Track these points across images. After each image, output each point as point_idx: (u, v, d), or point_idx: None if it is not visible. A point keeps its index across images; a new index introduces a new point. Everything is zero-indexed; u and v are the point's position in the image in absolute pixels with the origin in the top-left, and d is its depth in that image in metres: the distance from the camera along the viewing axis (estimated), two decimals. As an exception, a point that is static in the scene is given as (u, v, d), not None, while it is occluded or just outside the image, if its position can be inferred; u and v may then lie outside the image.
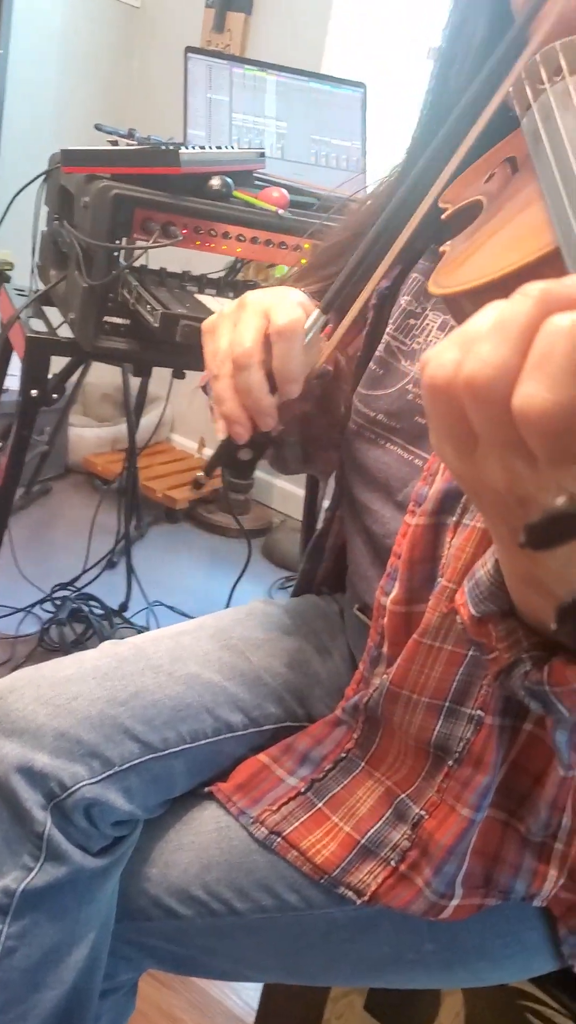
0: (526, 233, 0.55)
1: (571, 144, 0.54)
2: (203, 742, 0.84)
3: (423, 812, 0.76)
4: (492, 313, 0.43)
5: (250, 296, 0.78)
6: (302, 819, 0.80)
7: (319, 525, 1.03)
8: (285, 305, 0.75)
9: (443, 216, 0.69)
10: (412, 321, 0.83)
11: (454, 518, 0.74)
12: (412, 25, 2.65)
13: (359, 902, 0.76)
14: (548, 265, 0.49)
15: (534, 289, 0.42)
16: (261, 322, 0.75)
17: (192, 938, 0.82)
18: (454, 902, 0.76)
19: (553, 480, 0.42)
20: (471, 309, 0.56)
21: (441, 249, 0.63)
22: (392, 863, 0.76)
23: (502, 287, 0.52)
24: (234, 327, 0.75)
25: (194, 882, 0.81)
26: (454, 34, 0.81)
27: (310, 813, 0.80)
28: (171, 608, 2.47)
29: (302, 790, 0.82)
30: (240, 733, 0.87)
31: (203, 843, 0.82)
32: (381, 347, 0.85)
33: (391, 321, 0.85)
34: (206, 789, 0.85)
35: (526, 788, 0.76)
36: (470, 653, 0.73)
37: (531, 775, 0.76)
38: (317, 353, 0.78)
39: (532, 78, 0.64)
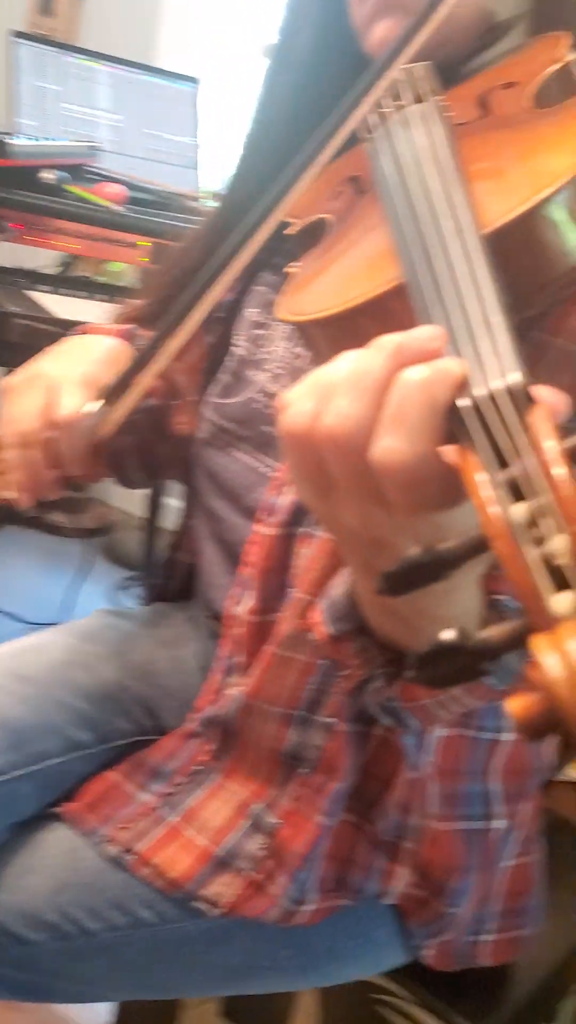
0: (373, 261, 0.56)
1: (413, 176, 0.55)
2: (51, 763, 0.82)
3: (278, 821, 0.77)
4: (347, 365, 0.43)
5: (41, 367, 0.81)
6: (155, 835, 0.79)
7: (171, 528, 1.02)
8: (69, 388, 0.77)
9: (288, 231, 0.70)
10: (260, 331, 0.84)
11: (305, 530, 0.75)
12: (247, 21, 2.66)
13: (214, 914, 0.76)
14: (395, 298, 0.50)
15: (388, 343, 0.43)
16: (43, 403, 0.77)
17: (43, 963, 0.80)
18: (308, 907, 0.77)
19: (409, 526, 0.43)
20: (319, 337, 0.56)
21: (288, 270, 0.63)
22: (248, 873, 0.77)
23: (350, 319, 0.53)
24: (19, 402, 0.77)
25: (45, 906, 0.78)
26: (283, 46, 0.82)
27: (164, 828, 0.80)
28: (9, 615, 2.39)
29: (155, 806, 0.81)
30: (90, 751, 0.85)
31: (53, 865, 0.80)
32: (230, 356, 0.85)
33: (240, 331, 0.85)
34: (55, 810, 0.83)
35: (377, 791, 0.78)
36: (322, 663, 0.74)
37: (381, 779, 0.77)
38: (103, 424, 0.77)
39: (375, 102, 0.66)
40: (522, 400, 0.39)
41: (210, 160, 2.23)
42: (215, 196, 2.05)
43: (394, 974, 0.87)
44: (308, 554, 0.74)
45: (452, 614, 0.52)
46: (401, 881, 0.80)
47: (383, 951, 0.84)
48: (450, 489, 0.41)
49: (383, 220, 0.56)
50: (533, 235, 0.51)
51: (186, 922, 0.78)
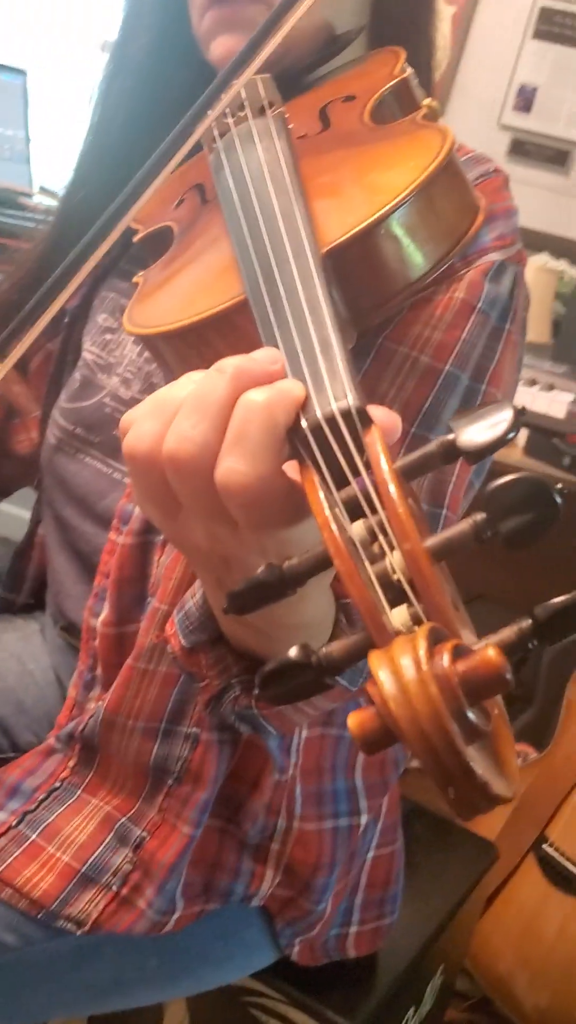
0: (218, 274, 0.56)
1: (253, 192, 0.55)
2: None
3: (145, 833, 0.76)
4: (189, 387, 0.44)
5: None
6: (15, 854, 0.77)
7: (13, 537, 0.99)
8: None
9: (135, 239, 0.69)
10: (109, 336, 0.83)
11: (161, 538, 0.74)
12: (79, 8, 2.59)
13: (79, 932, 0.75)
14: (239, 313, 0.51)
15: (228, 366, 0.43)
16: None
17: None
18: (175, 915, 0.77)
19: (255, 542, 0.44)
20: (164, 349, 0.56)
21: (135, 280, 0.63)
22: (114, 888, 0.75)
23: (195, 332, 0.53)
24: None
25: None
26: (120, 50, 0.81)
27: (24, 847, 0.77)
28: None
29: (13, 824, 0.78)
30: None
31: None
32: (81, 361, 0.84)
33: (89, 335, 0.84)
34: None
35: (243, 794, 0.78)
36: (183, 673, 0.73)
37: (247, 782, 0.78)
38: None
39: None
40: (358, 421, 0.41)
41: (43, 154, 2.17)
42: (52, 195, 2.00)
43: (262, 975, 0.88)
44: (165, 563, 0.73)
45: (304, 621, 0.53)
46: (268, 883, 0.80)
47: (253, 952, 0.84)
48: (293, 507, 0.42)
49: (225, 233, 0.57)
50: (372, 251, 0.52)
51: (52, 942, 0.76)
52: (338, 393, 0.42)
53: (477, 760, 0.31)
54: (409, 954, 0.97)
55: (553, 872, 1.55)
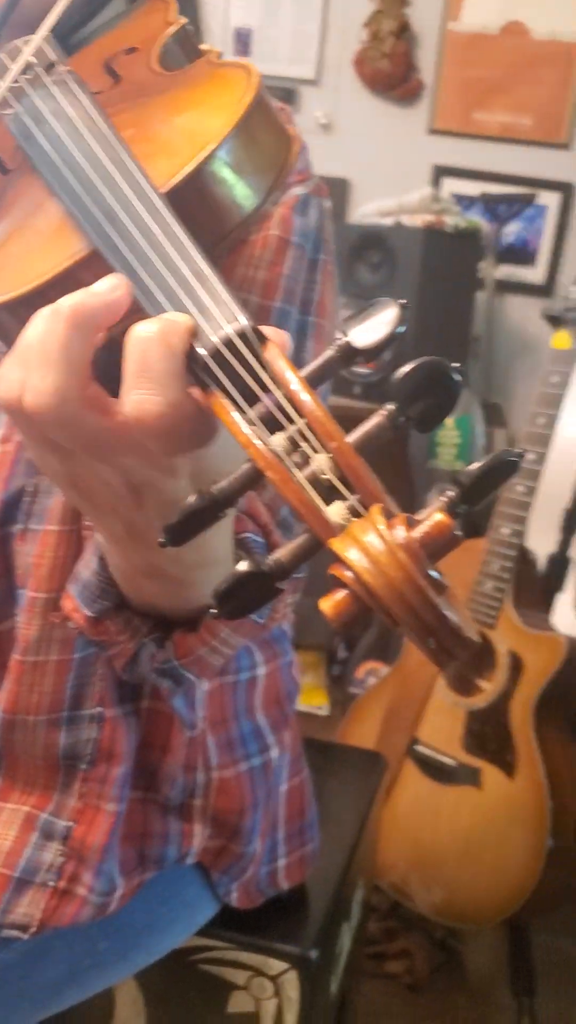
0: (49, 237, 0.55)
1: (74, 146, 0.55)
2: None
3: (70, 823, 0.75)
4: (29, 336, 0.44)
5: None
6: None
7: None
8: None
9: None
10: None
11: (20, 526, 0.72)
12: None
13: (28, 936, 0.73)
14: (84, 269, 0.50)
15: (64, 306, 0.44)
16: None
17: None
18: (118, 893, 0.77)
19: (166, 466, 0.45)
20: (8, 320, 0.55)
21: None
22: (51, 884, 0.74)
23: (40, 296, 0.52)
24: None
25: None
26: None
27: None
28: None
29: None
30: None
31: None
32: None
33: None
34: None
35: (156, 760, 0.78)
36: (77, 656, 0.72)
37: (158, 747, 0.78)
38: None
39: None
40: (254, 341, 0.42)
41: None
42: None
43: (205, 931, 0.89)
44: (31, 551, 0.72)
45: (215, 557, 0.54)
46: (199, 839, 0.81)
47: (195, 909, 0.86)
48: (204, 426, 0.43)
49: (51, 195, 0.55)
50: (207, 188, 0.53)
51: (1, 953, 0.74)
52: (228, 316, 0.43)
53: (448, 609, 0.35)
54: (335, 874, 1.01)
55: (429, 767, 1.65)
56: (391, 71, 2.73)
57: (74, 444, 0.44)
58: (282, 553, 0.38)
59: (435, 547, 0.36)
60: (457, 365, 0.39)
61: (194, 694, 0.77)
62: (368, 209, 2.47)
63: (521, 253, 2.79)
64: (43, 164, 0.56)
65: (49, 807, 0.75)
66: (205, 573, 0.54)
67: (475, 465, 0.37)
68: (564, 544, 1.78)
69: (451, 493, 0.37)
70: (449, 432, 2.46)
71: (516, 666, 1.57)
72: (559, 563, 1.77)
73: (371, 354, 0.40)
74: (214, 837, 0.83)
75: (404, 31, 2.71)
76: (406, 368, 0.39)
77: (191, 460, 0.45)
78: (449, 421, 2.47)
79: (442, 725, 1.65)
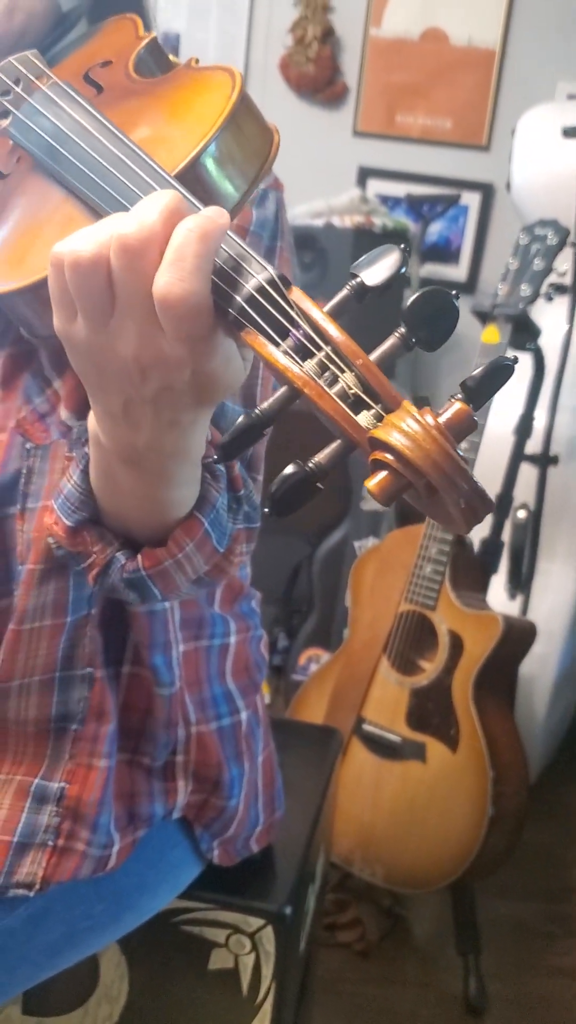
0: (63, 226, 0.61)
1: (85, 143, 0.61)
2: None
3: (63, 783, 0.79)
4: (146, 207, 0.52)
5: None
6: None
7: None
8: None
9: None
10: None
11: (17, 507, 0.76)
12: None
13: (32, 894, 0.78)
14: None
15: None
16: None
17: None
18: (115, 848, 0.82)
19: (180, 351, 0.52)
20: (32, 302, 0.60)
21: None
22: (50, 843, 0.79)
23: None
24: None
25: None
26: None
27: None
28: None
29: None
30: None
31: None
32: None
33: None
34: None
35: (139, 722, 0.84)
36: (69, 619, 0.77)
37: (140, 710, 0.84)
38: None
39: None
40: (282, 285, 0.51)
41: None
42: None
43: (184, 894, 0.95)
44: (30, 528, 0.76)
45: (187, 450, 0.61)
46: (183, 794, 0.87)
47: (180, 870, 0.91)
48: (214, 324, 0.51)
49: (47, 189, 0.61)
50: (202, 179, 0.60)
51: (5, 918, 0.78)
52: (258, 269, 0.51)
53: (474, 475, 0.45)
54: (302, 839, 1.07)
55: (375, 744, 1.72)
56: (316, 75, 2.81)
57: (127, 295, 0.51)
58: (320, 457, 0.47)
59: (459, 428, 0.45)
60: (455, 292, 0.48)
61: (171, 653, 0.83)
62: (299, 210, 2.54)
63: (444, 252, 2.89)
64: (55, 162, 0.62)
65: (40, 773, 0.80)
66: (178, 466, 0.61)
67: (478, 370, 0.46)
68: (497, 529, 1.87)
69: (459, 396, 0.46)
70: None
71: (456, 644, 1.65)
72: (493, 546, 1.86)
73: (382, 290, 0.49)
74: (196, 792, 0.89)
75: (328, 36, 2.79)
76: (413, 296, 0.47)
77: (195, 359, 0.52)
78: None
79: (387, 703, 1.72)
